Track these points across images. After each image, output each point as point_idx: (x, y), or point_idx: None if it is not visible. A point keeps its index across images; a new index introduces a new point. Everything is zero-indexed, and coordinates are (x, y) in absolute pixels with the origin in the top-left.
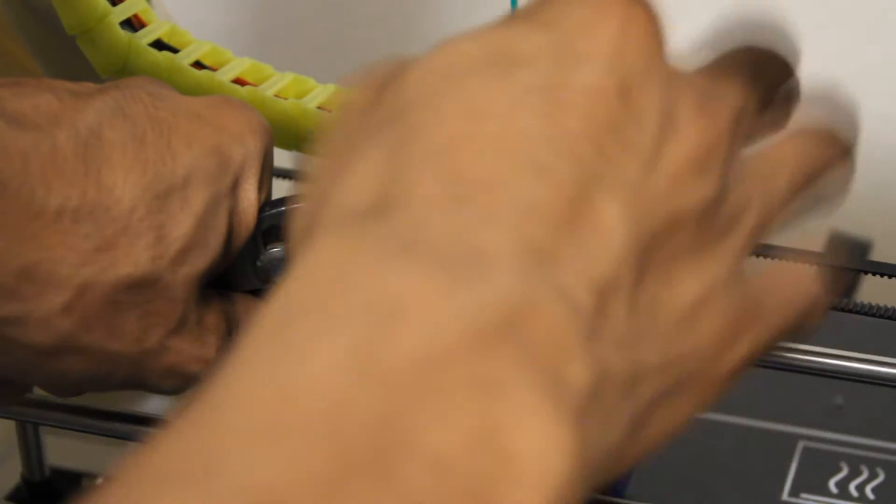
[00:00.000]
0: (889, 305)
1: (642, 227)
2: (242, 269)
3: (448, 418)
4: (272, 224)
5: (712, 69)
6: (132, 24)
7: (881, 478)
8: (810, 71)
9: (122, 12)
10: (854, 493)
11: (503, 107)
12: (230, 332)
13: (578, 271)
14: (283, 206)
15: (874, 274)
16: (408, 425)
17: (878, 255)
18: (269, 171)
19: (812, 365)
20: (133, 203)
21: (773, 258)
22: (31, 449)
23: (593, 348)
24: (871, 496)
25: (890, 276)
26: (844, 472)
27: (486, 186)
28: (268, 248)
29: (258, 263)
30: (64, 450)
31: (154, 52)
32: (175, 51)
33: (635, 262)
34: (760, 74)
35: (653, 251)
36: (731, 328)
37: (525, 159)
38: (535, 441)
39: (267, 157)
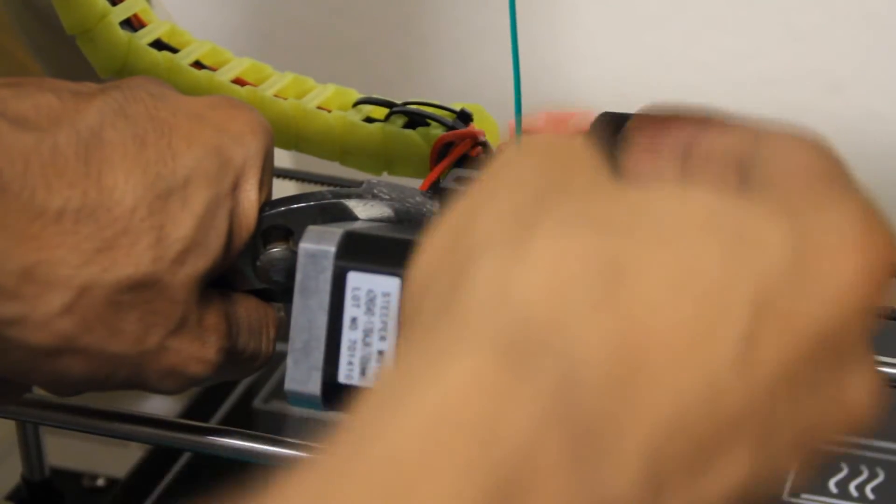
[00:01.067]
0: (889, 305)
1: (751, 483)
2: (242, 270)
3: None
4: (272, 224)
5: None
6: (132, 23)
7: (881, 478)
8: (811, 71)
9: (121, 12)
10: (854, 493)
11: (714, 290)
12: (230, 332)
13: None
14: (283, 206)
15: None
16: None
17: None
18: (269, 172)
19: None
20: (134, 204)
21: None
22: (31, 449)
23: None
24: (870, 496)
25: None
26: (844, 472)
27: (654, 372)
28: (267, 248)
29: (258, 263)
30: (64, 450)
31: (154, 51)
32: (175, 51)
33: None
34: None
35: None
36: None
37: (703, 371)
38: None
39: (268, 158)
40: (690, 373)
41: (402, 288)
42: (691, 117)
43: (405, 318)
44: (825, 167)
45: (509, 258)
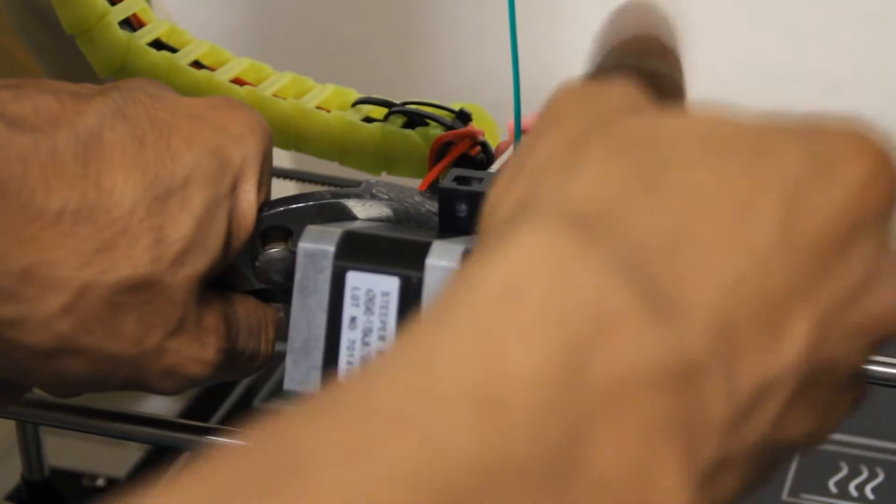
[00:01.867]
0: None
1: (815, 359)
2: (241, 270)
3: (621, 448)
4: (271, 224)
5: None
6: (131, 23)
7: (881, 478)
8: (811, 71)
9: (121, 12)
10: (854, 493)
11: (745, 187)
12: (229, 333)
13: (752, 367)
14: (281, 206)
15: None
16: (586, 442)
17: None
18: (268, 173)
19: None
20: (133, 205)
21: None
22: (31, 449)
23: (729, 440)
24: (870, 496)
25: None
26: (844, 472)
27: (706, 245)
28: (266, 248)
29: (257, 264)
30: (64, 450)
31: (153, 51)
32: (174, 50)
33: (794, 385)
34: None
35: (807, 385)
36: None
37: (748, 240)
38: (672, 495)
39: (266, 158)
40: (739, 249)
41: (401, 287)
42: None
43: (481, 237)
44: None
45: (566, 173)
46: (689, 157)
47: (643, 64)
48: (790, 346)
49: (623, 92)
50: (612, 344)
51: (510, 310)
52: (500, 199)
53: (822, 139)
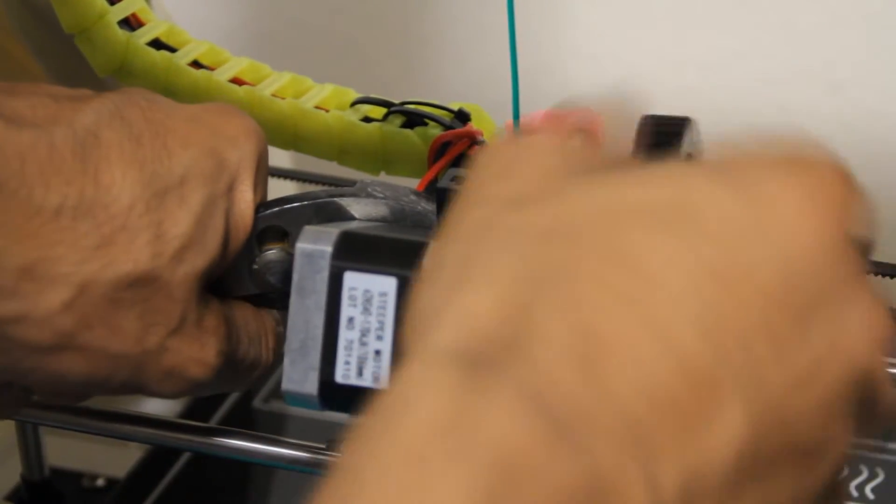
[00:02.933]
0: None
1: (761, 443)
2: (239, 273)
3: None
4: (268, 226)
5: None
6: (130, 23)
7: (881, 478)
8: (811, 71)
9: (120, 11)
10: (854, 493)
11: (661, 267)
12: (229, 336)
13: (674, 466)
14: (277, 206)
15: (874, 274)
16: None
17: (878, 255)
18: (263, 175)
19: None
20: (131, 200)
21: None
22: (30, 449)
23: None
24: (870, 496)
25: (891, 277)
26: (844, 472)
27: (615, 353)
28: (263, 249)
29: (254, 266)
30: (64, 450)
31: (152, 51)
32: (173, 50)
33: (735, 478)
34: None
35: (756, 471)
36: None
37: (667, 335)
38: None
39: (262, 161)
40: (652, 346)
41: (399, 288)
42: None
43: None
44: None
45: (457, 286)
46: (593, 248)
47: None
48: (719, 438)
49: (542, 162)
50: (526, 479)
51: (418, 471)
52: (415, 303)
53: (758, 193)
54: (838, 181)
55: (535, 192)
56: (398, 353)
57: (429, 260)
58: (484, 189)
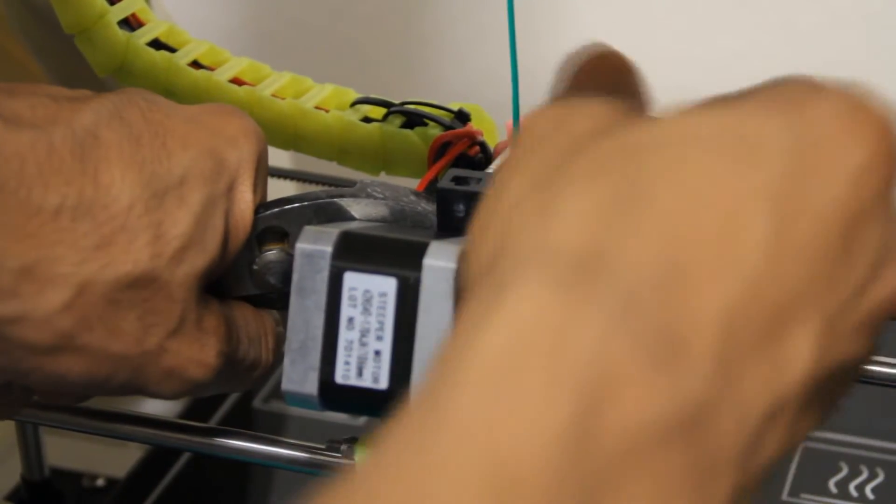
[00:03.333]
0: None
1: (824, 366)
2: (238, 274)
3: None
4: (267, 226)
5: None
6: (130, 23)
7: (881, 478)
8: (811, 71)
9: (120, 11)
10: (854, 493)
11: (731, 197)
12: (229, 336)
13: (759, 391)
14: (277, 207)
15: None
16: None
17: None
18: (263, 175)
19: None
20: (131, 201)
21: None
22: (30, 449)
23: (744, 466)
24: (870, 496)
25: None
26: (844, 472)
27: (697, 274)
28: (263, 250)
29: (254, 267)
30: (64, 450)
31: (152, 51)
32: (173, 50)
33: (804, 397)
34: None
35: (817, 389)
36: None
37: (739, 259)
38: None
39: (261, 161)
40: (729, 272)
41: (399, 288)
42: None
43: (463, 289)
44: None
45: (541, 213)
46: (666, 173)
47: (606, 83)
48: (796, 362)
49: (591, 112)
50: (619, 404)
51: (509, 383)
52: (477, 247)
53: (811, 119)
54: (884, 116)
55: (601, 127)
56: (398, 353)
57: (496, 192)
58: (545, 135)
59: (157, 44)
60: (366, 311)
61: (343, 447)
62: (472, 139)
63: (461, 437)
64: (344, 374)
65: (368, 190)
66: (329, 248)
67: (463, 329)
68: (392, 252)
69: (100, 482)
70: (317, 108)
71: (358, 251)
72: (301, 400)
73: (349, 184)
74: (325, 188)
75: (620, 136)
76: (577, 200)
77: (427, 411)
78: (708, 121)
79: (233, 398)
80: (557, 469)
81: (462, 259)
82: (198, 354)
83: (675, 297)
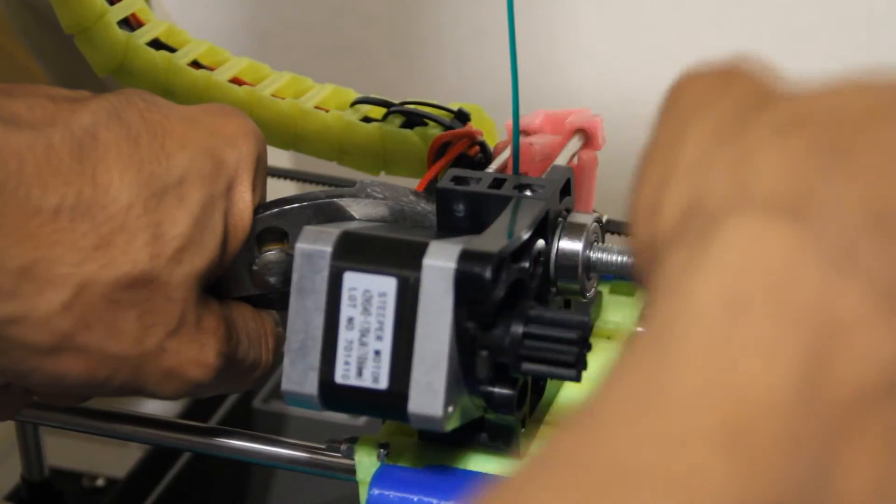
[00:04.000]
0: None
1: None
2: (238, 274)
3: (866, 468)
4: (267, 226)
5: None
6: (130, 23)
7: None
8: (811, 71)
9: (119, 11)
10: None
11: None
12: (229, 337)
13: None
14: (276, 207)
15: None
16: (832, 467)
17: None
18: (262, 175)
19: None
20: (129, 201)
21: None
22: (30, 449)
23: None
24: None
25: None
26: None
27: None
28: (263, 250)
29: (254, 267)
30: (64, 450)
31: (151, 51)
32: (172, 50)
33: None
34: None
35: None
36: None
37: None
38: None
39: (260, 161)
40: None
41: (399, 288)
42: None
43: (639, 258)
44: None
45: (739, 163)
46: (862, 123)
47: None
48: None
49: (754, 77)
50: (848, 352)
51: (735, 326)
52: (655, 204)
53: None
54: None
55: (766, 90)
56: (398, 353)
57: (651, 156)
58: (708, 97)
59: (156, 44)
60: (365, 311)
61: (343, 447)
62: (472, 139)
63: (692, 394)
64: (344, 374)
65: (368, 190)
66: (329, 248)
67: (672, 281)
68: (392, 252)
69: (100, 482)
70: (317, 107)
71: (358, 251)
72: (301, 400)
73: (349, 184)
74: (325, 188)
75: (801, 97)
76: (777, 152)
77: (652, 360)
78: (883, 89)
79: (233, 398)
80: (788, 425)
81: (633, 221)
82: (197, 354)
83: (888, 239)
